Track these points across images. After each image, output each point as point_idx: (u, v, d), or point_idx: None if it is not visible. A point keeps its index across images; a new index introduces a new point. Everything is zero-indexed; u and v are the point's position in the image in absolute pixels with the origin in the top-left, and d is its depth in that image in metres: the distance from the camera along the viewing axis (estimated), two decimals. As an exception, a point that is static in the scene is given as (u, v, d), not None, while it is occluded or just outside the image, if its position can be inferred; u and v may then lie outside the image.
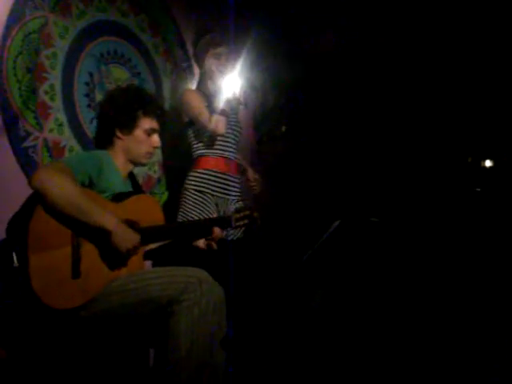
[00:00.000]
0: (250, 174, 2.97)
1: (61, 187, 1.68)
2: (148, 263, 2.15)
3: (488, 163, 4.40)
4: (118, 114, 2.05)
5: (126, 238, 1.78)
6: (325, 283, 2.93)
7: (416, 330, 2.89)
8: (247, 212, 2.24)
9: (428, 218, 3.86)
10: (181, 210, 2.69)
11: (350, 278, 2.95)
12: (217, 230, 2.11)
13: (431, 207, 3.99)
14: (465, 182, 4.33)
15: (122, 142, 2.06)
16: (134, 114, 2.06)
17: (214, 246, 2.11)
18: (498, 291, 3.25)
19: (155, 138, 2.12)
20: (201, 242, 2.13)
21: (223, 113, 2.65)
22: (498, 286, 3.30)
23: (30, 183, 1.70)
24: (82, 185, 1.83)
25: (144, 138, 2.08)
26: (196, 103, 2.71)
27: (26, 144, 2.23)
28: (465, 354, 2.71)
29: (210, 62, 2.81)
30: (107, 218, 1.75)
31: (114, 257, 1.81)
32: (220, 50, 2.81)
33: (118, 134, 2.06)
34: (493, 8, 3.73)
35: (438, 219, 3.86)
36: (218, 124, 2.63)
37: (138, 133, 2.07)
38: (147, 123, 2.08)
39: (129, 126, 2.05)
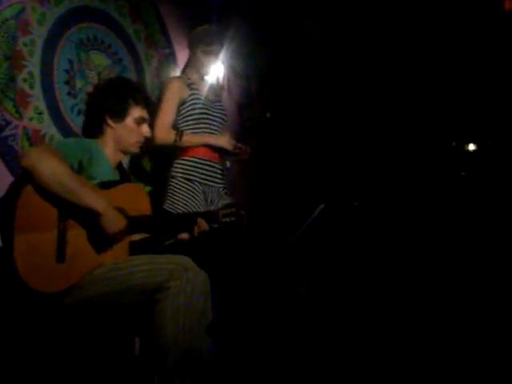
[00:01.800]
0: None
1: (52, 167, 1.69)
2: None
3: (472, 147, 4.43)
4: (109, 101, 2.07)
5: (114, 221, 1.79)
6: (310, 268, 2.94)
7: (401, 314, 2.92)
8: (234, 209, 2.24)
9: (412, 202, 3.89)
10: (168, 198, 2.67)
11: (335, 261, 2.96)
12: (203, 223, 2.10)
13: (416, 191, 4.01)
14: (449, 165, 4.36)
15: (113, 131, 2.08)
16: (126, 101, 2.08)
17: (195, 234, 2.11)
18: (484, 274, 3.29)
19: (145, 128, 2.14)
20: (183, 235, 2.13)
21: (175, 142, 2.64)
22: (484, 269, 3.34)
23: (20, 161, 1.71)
24: (71, 168, 1.82)
25: (134, 127, 2.10)
26: (167, 107, 2.67)
27: (5, 133, 2.19)
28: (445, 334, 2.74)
29: (199, 56, 2.79)
30: (97, 199, 1.76)
31: (101, 242, 1.82)
32: (211, 48, 2.77)
33: (109, 121, 2.07)
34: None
35: (422, 203, 3.88)
36: (162, 142, 2.61)
37: (129, 121, 2.09)
38: (137, 112, 2.10)
39: (120, 113, 2.07)
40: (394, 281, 3.11)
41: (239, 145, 2.79)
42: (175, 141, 2.63)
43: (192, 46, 2.85)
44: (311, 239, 2.81)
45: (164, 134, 2.62)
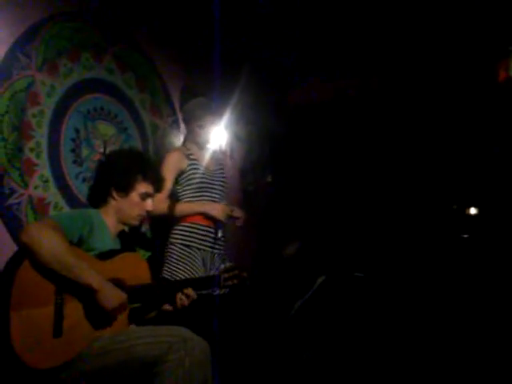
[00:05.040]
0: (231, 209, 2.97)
1: (50, 244, 1.70)
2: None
3: (473, 211, 4.45)
4: (117, 175, 2.08)
5: (112, 296, 1.78)
6: (312, 339, 2.90)
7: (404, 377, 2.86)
8: (236, 272, 2.23)
9: (415, 268, 3.87)
10: (166, 264, 2.67)
11: (337, 332, 2.92)
12: (191, 292, 2.08)
13: (417, 257, 4.00)
14: (451, 229, 4.36)
15: (116, 203, 2.09)
16: (133, 177, 2.09)
17: (186, 302, 2.08)
18: (484, 335, 3.25)
19: (149, 202, 2.14)
20: (167, 306, 2.10)
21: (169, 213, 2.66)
22: (485, 331, 3.29)
23: (20, 237, 1.72)
24: (71, 242, 1.83)
25: (138, 202, 2.10)
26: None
27: (10, 202, 2.22)
28: None
29: (194, 129, 2.84)
30: (93, 276, 1.76)
31: (99, 316, 1.80)
32: (201, 122, 2.81)
33: (114, 194, 2.09)
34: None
35: (424, 269, 3.86)
36: (157, 212, 2.54)
37: (134, 196, 2.10)
38: (144, 188, 2.11)
39: (126, 188, 2.09)
40: (397, 350, 3.06)
41: (234, 212, 2.79)
42: (168, 212, 2.65)
43: (186, 122, 2.92)
44: (312, 310, 2.78)
45: (158, 205, 2.53)
